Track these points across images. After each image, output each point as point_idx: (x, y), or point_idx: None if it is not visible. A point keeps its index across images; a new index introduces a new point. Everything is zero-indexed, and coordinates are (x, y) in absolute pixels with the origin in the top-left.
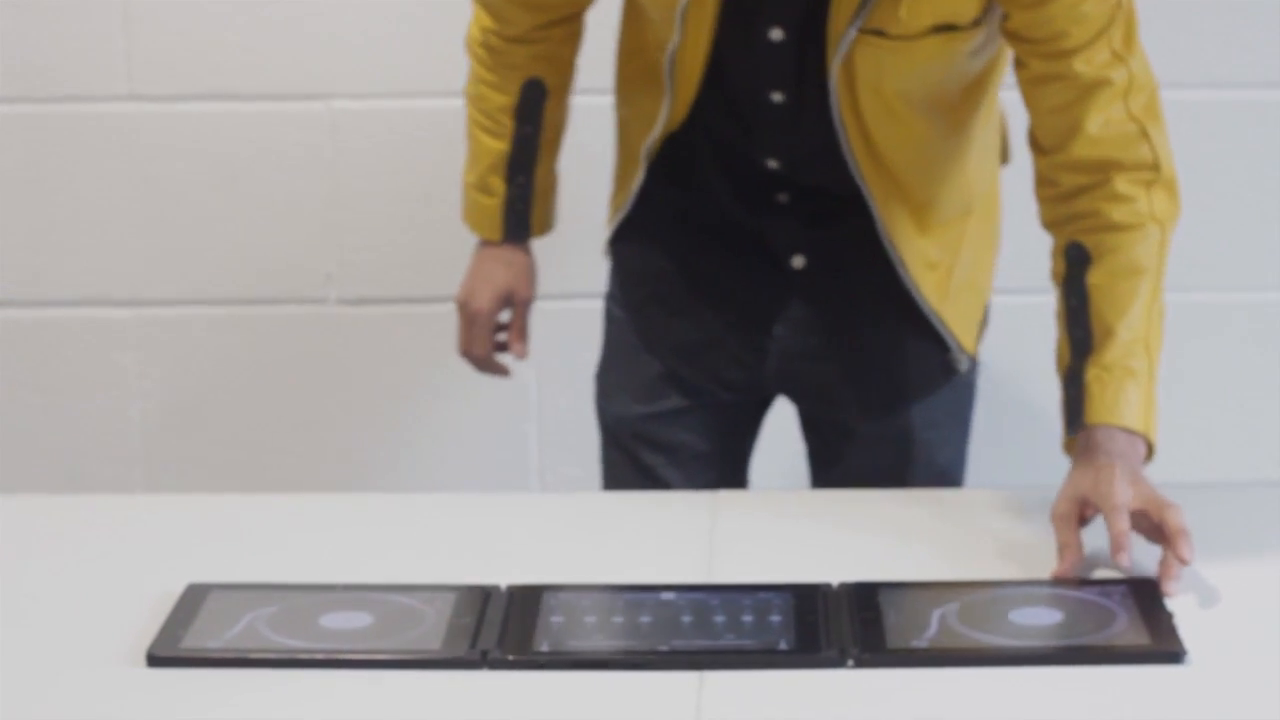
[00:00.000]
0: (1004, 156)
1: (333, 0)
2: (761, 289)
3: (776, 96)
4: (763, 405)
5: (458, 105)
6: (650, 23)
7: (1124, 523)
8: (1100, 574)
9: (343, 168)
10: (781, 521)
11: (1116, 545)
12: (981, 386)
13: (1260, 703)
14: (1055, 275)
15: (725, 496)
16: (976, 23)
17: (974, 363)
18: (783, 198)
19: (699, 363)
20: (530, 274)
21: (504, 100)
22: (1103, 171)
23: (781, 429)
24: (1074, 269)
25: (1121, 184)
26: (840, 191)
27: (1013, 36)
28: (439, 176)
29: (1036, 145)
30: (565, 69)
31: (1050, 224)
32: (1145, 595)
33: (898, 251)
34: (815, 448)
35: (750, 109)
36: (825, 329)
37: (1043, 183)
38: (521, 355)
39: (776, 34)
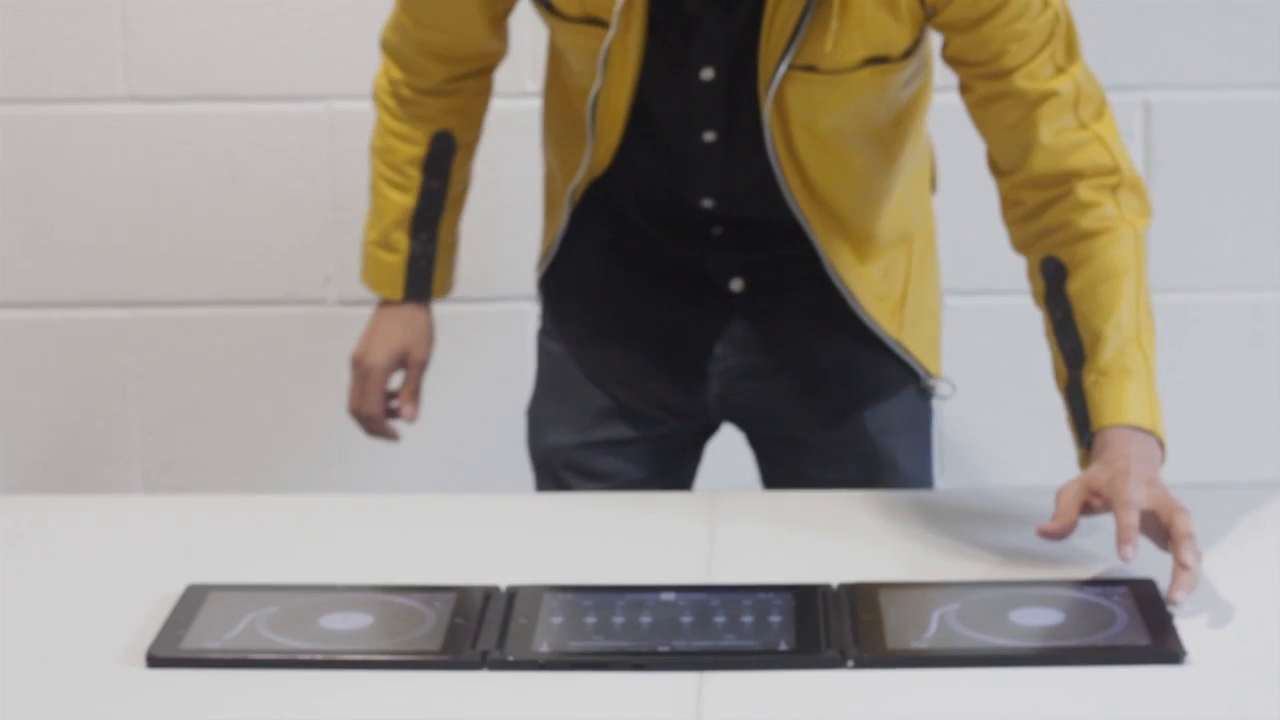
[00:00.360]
0: (932, 185)
1: (331, 1)
2: (700, 313)
3: (709, 136)
4: (705, 434)
5: None
6: (571, 71)
7: (1132, 517)
8: (1100, 574)
9: (341, 169)
10: (781, 522)
11: (1122, 538)
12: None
13: (1260, 703)
14: (1036, 295)
15: (725, 497)
16: (908, 54)
17: (947, 382)
18: (717, 230)
19: (642, 391)
20: (428, 335)
21: (412, 152)
22: (1064, 183)
23: (730, 451)
24: (1053, 284)
25: (1085, 192)
26: (779, 222)
27: (954, 61)
28: None
29: (996, 168)
30: (475, 124)
31: (1022, 245)
32: (1145, 596)
33: (846, 284)
34: (770, 471)
35: (681, 150)
36: (768, 346)
37: (1008, 205)
38: (411, 418)
39: (707, 74)
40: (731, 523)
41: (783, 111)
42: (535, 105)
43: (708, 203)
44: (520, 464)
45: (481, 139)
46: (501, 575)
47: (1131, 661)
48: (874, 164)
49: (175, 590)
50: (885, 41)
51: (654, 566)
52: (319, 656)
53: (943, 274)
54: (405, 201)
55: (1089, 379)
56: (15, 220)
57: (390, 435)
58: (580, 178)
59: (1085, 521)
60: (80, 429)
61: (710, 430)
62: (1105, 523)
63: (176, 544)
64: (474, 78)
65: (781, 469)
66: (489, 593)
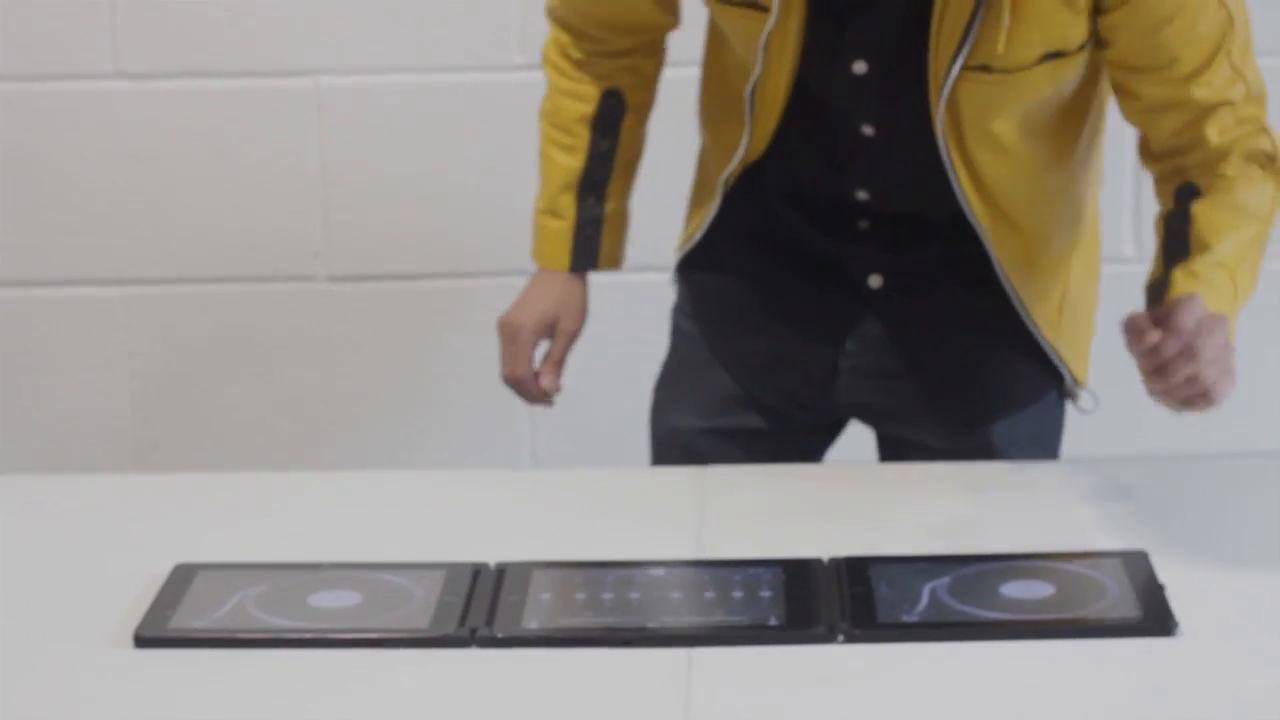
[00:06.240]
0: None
1: None
2: (836, 306)
3: (867, 130)
4: (832, 431)
5: (444, 81)
6: (732, 52)
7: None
8: (1092, 547)
9: (330, 144)
10: (771, 497)
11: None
12: None
13: (1251, 674)
14: (1159, 218)
15: (715, 472)
16: (1083, 46)
17: (1090, 394)
18: (864, 224)
19: (771, 380)
20: (581, 306)
21: (582, 110)
22: (1217, 158)
23: (852, 449)
24: (1181, 201)
25: (1236, 161)
26: (932, 218)
27: (1119, 66)
28: (426, 152)
29: (1149, 153)
30: (647, 86)
31: (1161, 192)
32: (1136, 568)
33: (1013, 286)
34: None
35: (839, 141)
36: (901, 347)
37: (1159, 171)
38: (551, 388)
39: (860, 67)
40: (721, 498)
41: (955, 113)
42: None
43: (862, 195)
44: (512, 441)
45: (654, 105)
46: (490, 552)
47: (1123, 634)
48: (1049, 161)
49: (163, 569)
50: (1062, 35)
51: (644, 542)
52: (307, 635)
53: None
54: (573, 164)
55: (1179, 272)
56: (3, 199)
57: (544, 399)
58: (736, 163)
59: (1076, 494)
60: (70, 407)
61: (838, 427)
62: (1096, 495)
63: (164, 523)
64: (644, 44)
65: None
66: (478, 570)
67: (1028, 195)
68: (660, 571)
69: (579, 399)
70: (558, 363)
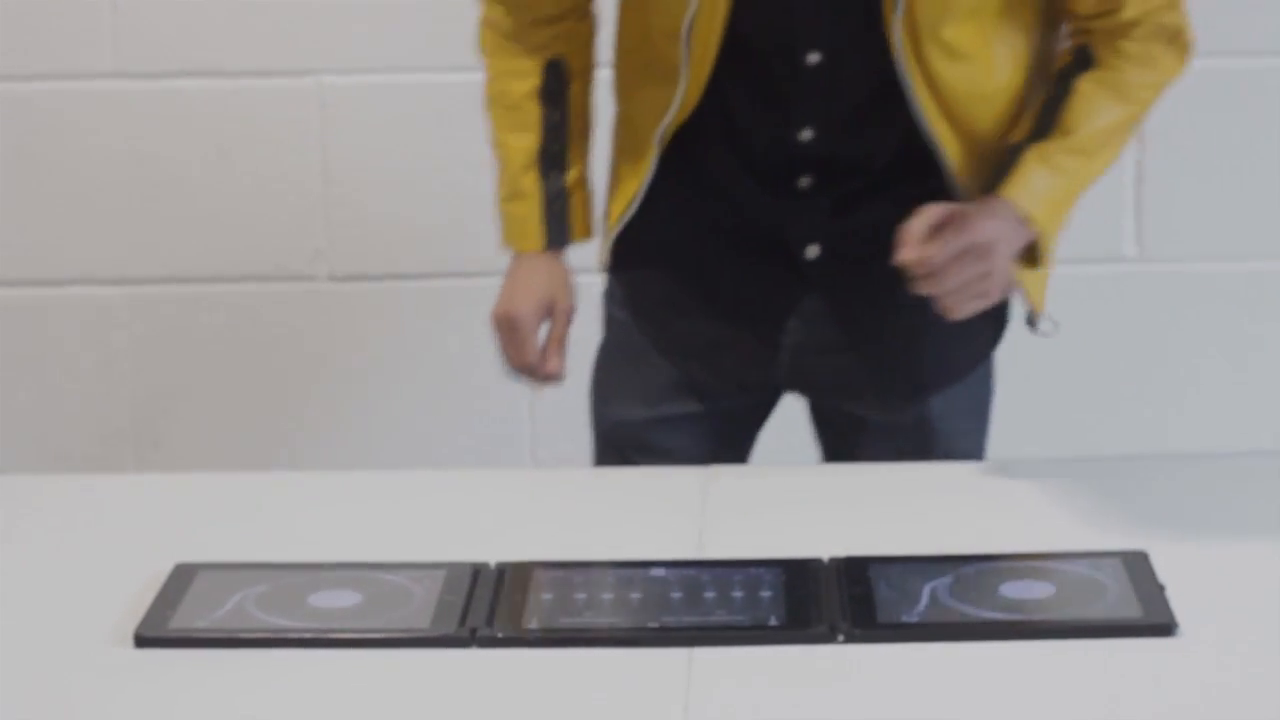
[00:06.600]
0: None
1: None
2: (774, 286)
3: (813, 58)
4: (768, 407)
5: (446, 80)
6: (655, 5)
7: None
8: (1091, 547)
9: (331, 144)
10: (772, 496)
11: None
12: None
13: (1250, 674)
14: (1056, 71)
15: (716, 471)
16: None
17: (1050, 319)
18: (805, 181)
19: (712, 364)
20: (571, 283)
21: (527, 86)
22: (1124, 31)
23: (788, 425)
24: (1074, 67)
25: (1140, 33)
26: (875, 163)
27: None
28: (428, 152)
29: (1069, 12)
30: (584, 50)
31: (1069, 45)
32: (1136, 568)
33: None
34: (829, 442)
35: (781, 76)
36: (841, 320)
37: (1069, 26)
38: (557, 371)
39: None
40: (722, 497)
41: (911, 23)
42: None
43: (806, 134)
44: (512, 441)
45: (596, 69)
46: (491, 551)
47: (1123, 634)
48: (1004, 61)
49: (164, 569)
50: None
51: (644, 542)
52: (307, 635)
53: None
54: (528, 143)
55: (1032, 153)
56: (3, 199)
57: (555, 381)
58: (670, 118)
59: (1076, 494)
60: (70, 407)
61: (773, 403)
62: (1096, 495)
63: (165, 523)
64: (574, 7)
65: (840, 443)
66: (478, 569)
67: (987, 102)
68: (660, 571)
69: (579, 399)
70: (561, 342)
